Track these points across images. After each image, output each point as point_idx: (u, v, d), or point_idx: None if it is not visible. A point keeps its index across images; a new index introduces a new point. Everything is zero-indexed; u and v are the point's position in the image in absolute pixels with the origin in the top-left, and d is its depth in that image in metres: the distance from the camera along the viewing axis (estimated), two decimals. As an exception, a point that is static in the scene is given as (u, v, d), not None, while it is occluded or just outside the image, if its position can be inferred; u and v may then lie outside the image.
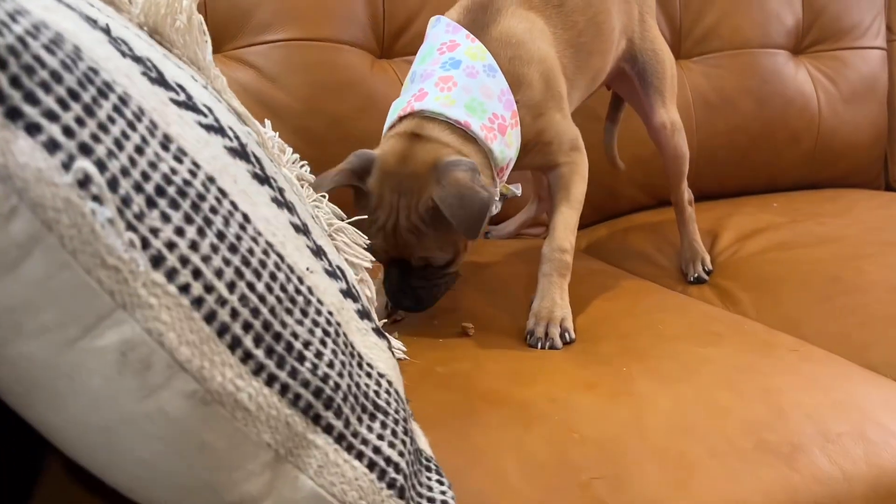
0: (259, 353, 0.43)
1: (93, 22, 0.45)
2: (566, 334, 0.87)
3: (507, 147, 0.90)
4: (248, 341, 0.42)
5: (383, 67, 1.36)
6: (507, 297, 1.00)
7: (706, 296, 1.23)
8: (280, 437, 0.43)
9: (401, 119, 0.91)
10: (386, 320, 0.91)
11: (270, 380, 0.43)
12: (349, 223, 0.73)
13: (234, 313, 0.42)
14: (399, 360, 0.75)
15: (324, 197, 0.74)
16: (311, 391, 0.45)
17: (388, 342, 0.59)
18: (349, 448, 0.47)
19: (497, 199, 0.95)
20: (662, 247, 1.40)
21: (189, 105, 0.47)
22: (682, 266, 1.31)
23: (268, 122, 0.72)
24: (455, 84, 0.89)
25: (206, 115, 0.48)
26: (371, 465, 0.48)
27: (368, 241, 0.77)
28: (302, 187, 0.71)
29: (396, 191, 0.86)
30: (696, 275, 1.28)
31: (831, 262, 1.21)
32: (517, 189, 1.04)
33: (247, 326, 0.42)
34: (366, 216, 0.84)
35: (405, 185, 0.86)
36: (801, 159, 1.76)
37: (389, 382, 0.54)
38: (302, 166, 0.74)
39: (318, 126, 1.29)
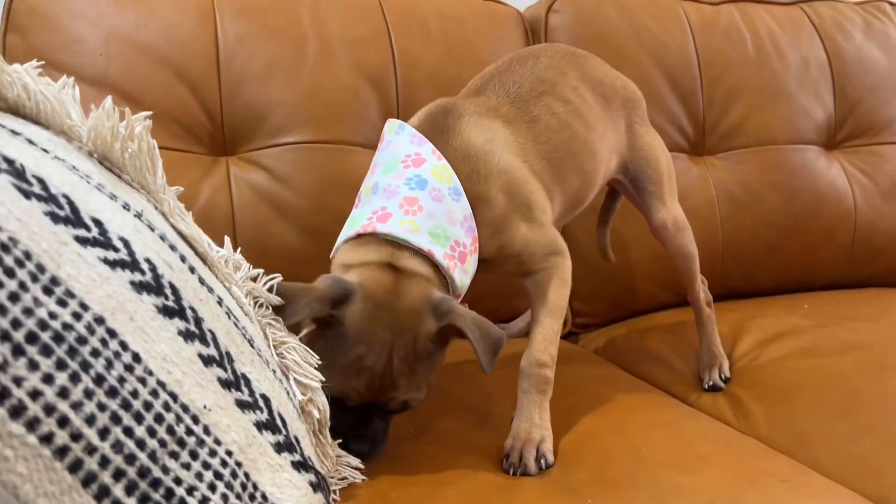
0: (130, 502, 0.42)
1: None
2: (542, 459, 0.81)
3: (465, 274, 0.86)
4: (118, 490, 0.41)
5: (395, 166, 1.38)
6: (492, 412, 0.96)
7: (718, 405, 1.17)
8: (150, 590, 0.42)
9: (360, 236, 0.86)
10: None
11: (142, 529, 0.42)
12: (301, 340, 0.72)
13: (105, 461, 0.41)
14: (353, 482, 0.74)
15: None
16: (189, 540, 0.44)
17: (314, 476, 0.58)
18: None
19: None
20: (681, 349, 1.35)
21: (98, 241, 0.48)
22: (700, 371, 1.26)
23: (227, 240, 0.73)
24: (420, 208, 0.84)
25: (116, 251, 0.49)
26: None
27: (331, 383, 0.73)
28: (256, 304, 0.71)
29: (389, 329, 0.78)
30: (711, 382, 1.22)
31: (853, 372, 1.14)
32: None
33: (118, 474, 0.41)
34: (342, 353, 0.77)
35: (401, 323, 0.78)
36: (837, 256, 1.69)
37: (297, 523, 0.52)
38: (266, 284, 0.74)
39: (326, 224, 1.30)
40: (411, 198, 0.85)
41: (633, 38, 1.54)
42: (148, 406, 0.44)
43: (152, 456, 0.43)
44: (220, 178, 1.28)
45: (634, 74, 1.54)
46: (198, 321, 0.53)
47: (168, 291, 0.51)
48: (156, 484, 0.43)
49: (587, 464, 0.82)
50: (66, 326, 0.42)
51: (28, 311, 0.41)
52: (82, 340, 0.42)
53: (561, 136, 1.00)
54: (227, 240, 0.73)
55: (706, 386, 1.22)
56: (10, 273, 0.41)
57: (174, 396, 0.46)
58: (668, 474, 0.79)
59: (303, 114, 1.32)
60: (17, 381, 0.39)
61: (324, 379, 0.72)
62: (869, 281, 1.73)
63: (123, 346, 0.45)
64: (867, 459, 0.93)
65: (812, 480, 0.83)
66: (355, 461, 0.77)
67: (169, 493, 0.43)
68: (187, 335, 0.51)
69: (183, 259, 0.58)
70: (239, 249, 0.75)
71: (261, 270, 0.75)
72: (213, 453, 0.47)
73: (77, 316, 0.43)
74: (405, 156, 0.89)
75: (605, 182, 1.14)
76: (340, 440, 0.78)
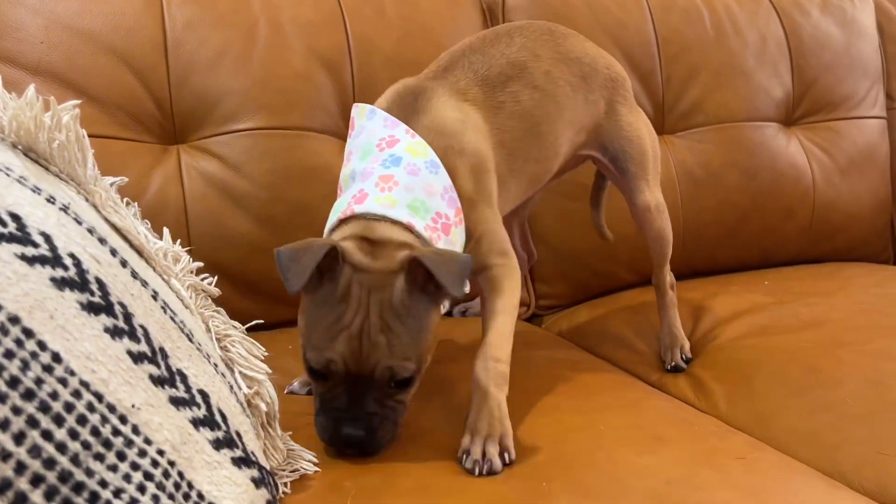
0: (50, 508, 0.40)
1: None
2: (506, 454, 0.78)
3: (451, 246, 0.85)
4: (36, 496, 0.39)
5: (353, 153, 1.36)
6: (452, 402, 0.95)
7: (679, 385, 1.17)
8: None
9: (341, 222, 0.85)
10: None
11: (64, 536, 0.40)
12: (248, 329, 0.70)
13: (21, 467, 0.39)
14: (306, 473, 0.72)
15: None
16: (117, 545, 0.42)
17: (257, 471, 0.56)
18: None
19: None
20: (643, 330, 1.35)
21: (15, 237, 0.46)
22: (661, 352, 1.26)
23: (166, 231, 0.71)
24: (396, 183, 0.84)
25: (36, 246, 0.47)
26: None
27: (327, 355, 0.72)
28: (197, 296, 0.69)
29: (366, 286, 0.77)
30: (673, 363, 1.22)
31: (811, 350, 1.14)
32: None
33: (36, 480, 0.40)
34: (325, 313, 0.76)
35: (376, 281, 0.77)
36: (797, 232, 1.70)
37: (236, 522, 0.50)
38: (204, 278, 0.72)
39: (282, 213, 1.28)
40: (386, 175, 0.85)
41: (591, 19, 1.53)
42: (69, 407, 0.42)
43: (74, 459, 0.42)
44: (171, 168, 1.25)
45: (592, 55, 1.53)
46: (128, 317, 0.51)
47: (94, 287, 0.49)
48: (79, 488, 0.41)
49: (544, 446, 0.81)
50: (-24, 328, 0.40)
51: (-68, 313, 0.38)
52: (-7, 342, 0.40)
53: (523, 124, 0.99)
54: (165, 231, 0.71)
55: (668, 367, 1.22)
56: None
57: (99, 396, 0.45)
58: (625, 454, 0.79)
59: (255, 100, 1.29)
60: (-79, 386, 0.37)
61: (269, 371, 0.70)
62: (828, 257, 1.74)
63: (42, 345, 0.43)
64: (823, 435, 0.94)
65: (767, 457, 0.84)
66: (309, 454, 0.76)
67: (94, 497, 0.42)
68: (115, 332, 0.49)
69: (113, 253, 0.56)
70: (179, 241, 0.73)
71: (201, 263, 0.73)
72: (142, 453, 0.46)
73: (-13, 317, 0.41)
74: (380, 139, 0.89)
75: (565, 161, 1.12)
76: (333, 428, 0.77)
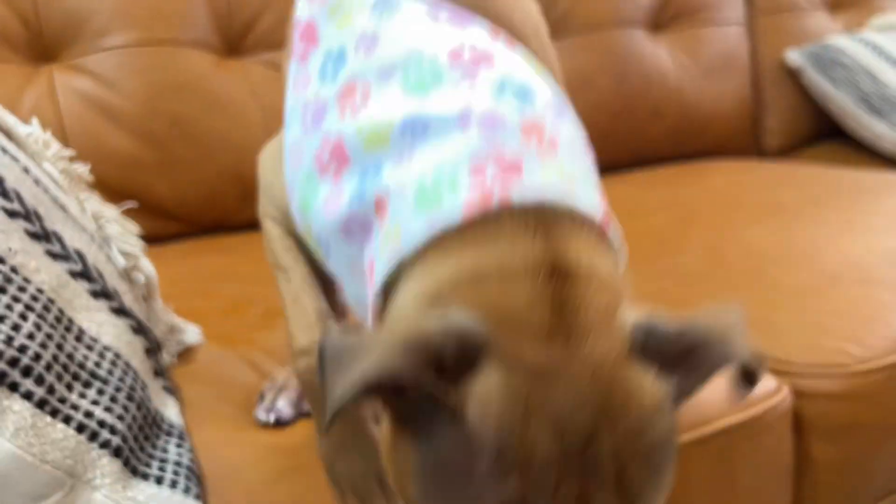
0: (-65, 329, 0.45)
1: None
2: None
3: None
4: (-81, 317, 0.44)
5: (230, 67, 1.38)
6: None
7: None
8: (-32, 406, 0.46)
9: (463, 230, 0.43)
10: None
11: (-48, 352, 0.45)
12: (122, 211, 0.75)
13: None
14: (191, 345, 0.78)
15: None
16: (4, 361, 0.47)
17: (135, 322, 0.62)
18: (54, 412, 0.49)
19: None
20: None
21: None
22: None
23: (35, 120, 0.74)
24: (554, 142, 0.45)
25: None
26: (80, 428, 0.50)
27: None
28: (71, 181, 0.73)
29: (572, 430, 0.36)
30: None
31: (662, 226, 1.28)
32: None
33: (-82, 304, 0.44)
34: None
35: (598, 406, 0.37)
36: (666, 133, 1.83)
37: (117, 355, 0.56)
38: (72, 159, 0.75)
39: (159, 128, 1.30)
40: (531, 124, 0.45)
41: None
42: (-56, 245, 0.47)
43: (-46, 289, 0.46)
44: (44, 88, 1.25)
45: None
46: (-2, 179, 0.55)
47: (-39, 150, 0.53)
48: (-39, 313, 0.46)
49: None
50: None
51: None
52: None
53: None
54: (34, 119, 0.73)
55: None
56: None
57: (-27, 239, 0.49)
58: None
59: (125, 16, 1.29)
60: None
61: (145, 245, 0.74)
62: (699, 154, 1.89)
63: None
64: (668, 293, 1.06)
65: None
66: (194, 327, 0.81)
67: (-24, 321, 0.47)
68: (-14, 190, 0.53)
69: (-19, 128, 0.59)
70: (49, 131, 0.75)
71: (73, 152, 0.76)
72: (22, 289, 0.50)
73: None
74: (450, 52, 0.48)
75: None
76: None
